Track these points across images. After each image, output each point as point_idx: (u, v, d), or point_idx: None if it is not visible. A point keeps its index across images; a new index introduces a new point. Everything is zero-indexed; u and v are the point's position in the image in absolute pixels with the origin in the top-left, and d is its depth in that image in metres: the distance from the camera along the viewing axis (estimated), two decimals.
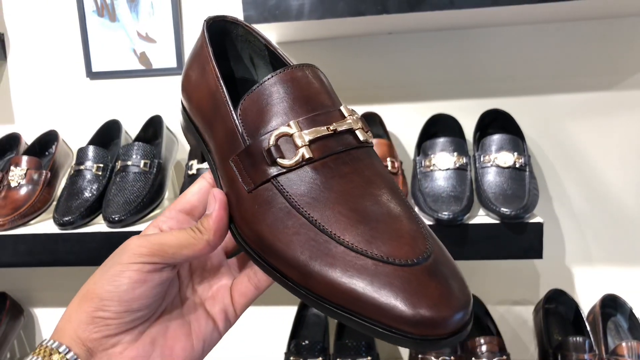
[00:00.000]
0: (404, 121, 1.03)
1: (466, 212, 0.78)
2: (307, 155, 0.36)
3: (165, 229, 0.41)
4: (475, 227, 0.78)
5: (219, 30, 0.46)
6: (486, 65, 1.00)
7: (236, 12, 1.01)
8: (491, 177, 0.83)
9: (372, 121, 1.00)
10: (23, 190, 0.91)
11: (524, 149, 0.87)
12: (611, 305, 0.99)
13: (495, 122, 0.97)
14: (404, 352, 1.10)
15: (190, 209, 0.42)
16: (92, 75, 1.10)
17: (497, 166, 0.84)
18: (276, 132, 0.37)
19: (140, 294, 0.36)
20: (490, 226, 0.78)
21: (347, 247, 0.33)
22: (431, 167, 0.86)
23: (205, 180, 0.43)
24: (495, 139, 0.87)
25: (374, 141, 0.89)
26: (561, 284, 1.03)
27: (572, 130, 1.00)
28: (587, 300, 1.04)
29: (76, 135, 1.07)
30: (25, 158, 0.94)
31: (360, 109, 1.01)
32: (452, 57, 1.01)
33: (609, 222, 1.02)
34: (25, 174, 0.92)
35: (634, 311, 0.96)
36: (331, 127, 0.37)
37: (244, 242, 0.38)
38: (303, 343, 0.97)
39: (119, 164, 0.89)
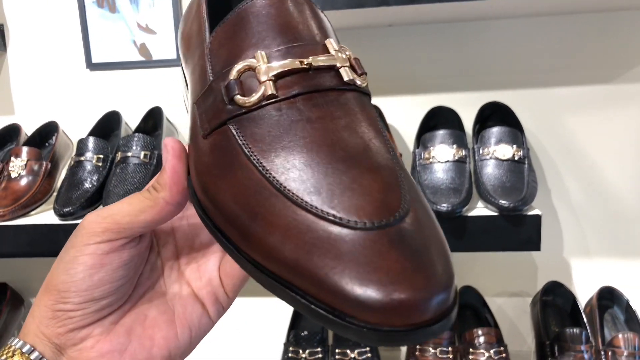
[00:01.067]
0: (404, 113, 1.03)
1: (465, 204, 0.79)
2: (269, 92, 0.29)
3: None
4: (473, 219, 0.79)
5: None
6: (486, 58, 1.00)
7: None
8: (490, 170, 0.84)
9: None
10: (23, 181, 0.91)
11: (523, 141, 0.88)
12: (608, 297, 1.00)
13: (495, 115, 0.97)
14: None
15: None
16: (92, 66, 1.10)
17: (496, 158, 0.84)
18: (238, 65, 0.30)
19: (100, 279, 0.31)
20: (489, 218, 0.79)
21: (295, 204, 0.26)
22: (430, 160, 0.86)
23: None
24: (494, 131, 0.87)
25: None
26: (559, 276, 1.04)
27: (571, 123, 1.01)
28: (584, 292, 1.04)
29: (76, 126, 1.07)
30: (25, 149, 0.94)
31: None
32: (452, 50, 1.01)
33: (607, 214, 1.03)
34: (25, 165, 0.92)
35: (630, 303, 0.97)
36: (305, 62, 0.30)
37: (194, 197, 0.32)
38: (302, 334, 0.98)
39: (119, 155, 0.89)
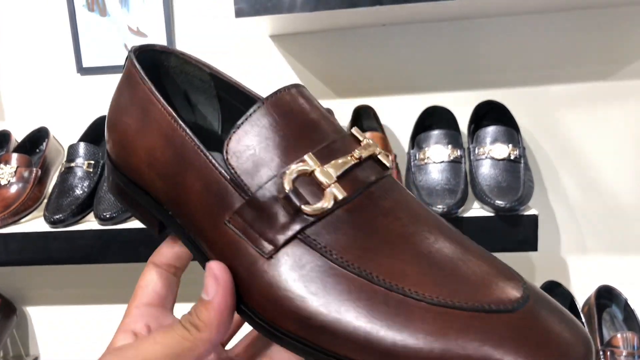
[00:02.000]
0: (398, 114, 1.02)
1: (460, 204, 0.78)
2: (339, 196, 0.27)
3: (140, 332, 0.32)
4: (469, 220, 0.78)
5: (148, 62, 0.36)
6: (481, 57, 1.00)
7: (228, 5, 1.00)
8: (486, 170, 0.83)
9: (366, 114, 0.99)
10: (13, 189, 0.90)
11: (519, 140, 0.87)
12: (606, 296, 0.99)
13: (490, 114, 0.96)
14: None
15: (160, 301, 0.34)
16: (82, 70, 1.08)
17: (492, 158, 0.84)
18: (289, 172, 0.28)
19: None
20: (485, 219, 0.78)
21: (431, 304, 0.24)
22: (425, 160, 0.85)
23: (155, 265, 0.35)
24: (490, 130, 0.87)
25: (368, 135, 0.89)
26: (556, 276, 1.03)
27: (568, 121, 1.00)
28: (582, 292, 1.04)
29: (67, 132, 1.05)
30: (15, 155, 0.93)
31: (354, 102, 1.00)
32: (447, 49, 1.00)
33: (604, 213, 1.02)
34: (15, 172, 0.91)
35: (629, 302, 0.96)
36: (356, 155, 0.29)
37: (271, 327, 0.27)
38: None
39: None
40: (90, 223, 0.85)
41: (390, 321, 0.24)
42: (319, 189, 0.28)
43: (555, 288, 1.01)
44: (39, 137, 1.03)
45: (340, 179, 0.28)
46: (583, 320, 0.92)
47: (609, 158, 1.00)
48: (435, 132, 0.88)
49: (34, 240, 0.82)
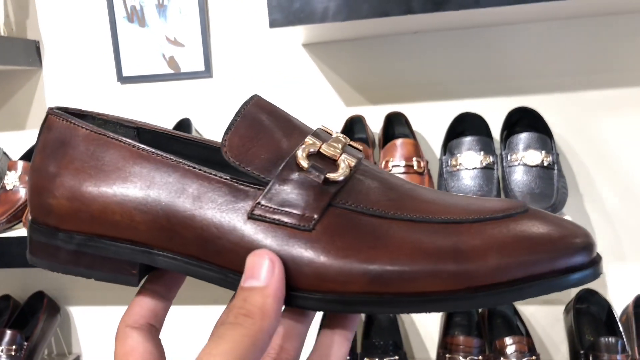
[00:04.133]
0: (431, 120, 1.02)
1: None
2: (352, 163, 0.30)
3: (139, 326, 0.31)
4: None
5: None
6: (512, 63, 0.99)
7: (262, 15, 1.02)
8: (518, 176, 0.83)
9: (398, 121, 1.00)
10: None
11: (552, 147, 0.86)
12: None
13: (523, 120, 0.95)
14: (432, 351, 1.09)
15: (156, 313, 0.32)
16: (122, 79, 1.13)
17: (525, 165, 0.83)
18: (301, 150, 0.30)
19: None
20: None
21: (474, 222, 0.28)
22: (457, 167, 0.85)
23: (132, 327, 0.31)
24: (523, 137, 0.86)
25: (400, 141, 0.89)
26: (593, 284, 1.01)
27: (603, 127, 0.98)
28: (620, 300, 1.02)
29: None
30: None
31: (386, 109, 1.01)
32: (478, 55, 1.00)
33: None
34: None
35: None
36: (340, 137, 0.31)
37: (332, 298, 0.28)
38: None
39: None
40: None
41: (451, 247, 0.27)
42: (330, 162, 0.30)
43: (591, 296, 0.99)
44: None
45: (343, 154, 0.30)
46: (621, 329, 0.91)
47: None
48: (468, 139, 0.88)
49: None
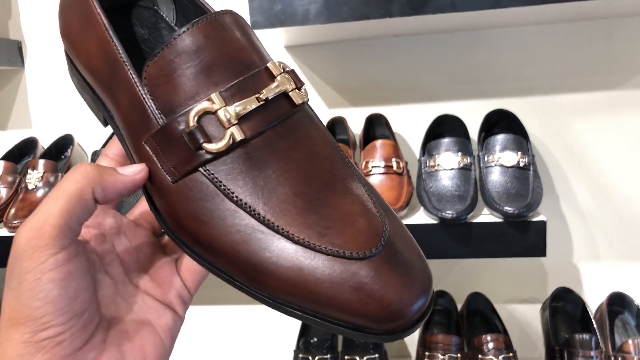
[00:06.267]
0: (410, 122, 1.04)
1: (470, 210, 0.80)
2: (238, 137, 0.30)
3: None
4: (479, 225, 0.80)
5: None
6: (491, 66, 1.01)
7: (244, 17, 1.03)
8: (495, 177, 0.85)
9: (379, 122, 1.01)
10: (40, 193, 0.94)
11: (528, 148, 0.88)
12: (618, 303, 1.00)
13: (500, 122, 0.98)
14: (412, 348, 1.11)
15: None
16: None
17: (501, 165, 0.85)
18: (195, 110, 0.30)
19: (75, 289, 0.29)
20: (494, 225, 0.79)
21: (298, 244, 0.29)
22: (436, 167, 0.87)
23: (107, 156, 0.38)
24: (499, 138, 0.88)
25: (380, 142, 0.91)
26: (568, 282, 1.03)
27: (578, 129, 1.01)
28: (594, 298, 1.04)
29: (91, 139, 1.10)
30: (41, 161, 0.97)
31: (367, 110, 1.02)
32: (458, 59, 1.02)
33: (616, 219, 1.02)
34: (42, 177, 0.95)
35: None
36: (261, 97, 0.31)
37: (175, 236, 0.32)
38: (312, 340, 0.99)
39: None
40: None
41: (265, 254, 0.29)
42: (223, 129, 0.30)
43: (567, 294, 1.02)
44: (64, 144, 1.07)
45: (243, 120, 0.30)
46: (595, 326, 0.93)
47: (619, 165, 1.01)
48: (446, 140, 0.90)
49: None
